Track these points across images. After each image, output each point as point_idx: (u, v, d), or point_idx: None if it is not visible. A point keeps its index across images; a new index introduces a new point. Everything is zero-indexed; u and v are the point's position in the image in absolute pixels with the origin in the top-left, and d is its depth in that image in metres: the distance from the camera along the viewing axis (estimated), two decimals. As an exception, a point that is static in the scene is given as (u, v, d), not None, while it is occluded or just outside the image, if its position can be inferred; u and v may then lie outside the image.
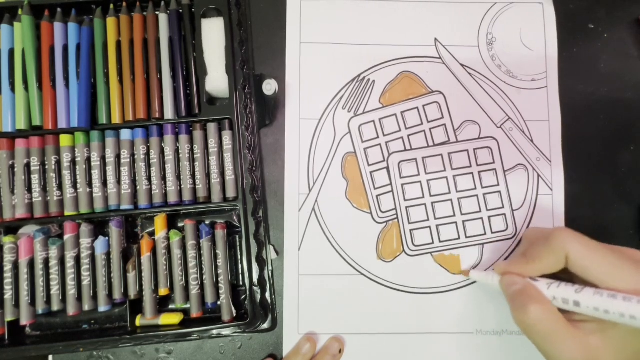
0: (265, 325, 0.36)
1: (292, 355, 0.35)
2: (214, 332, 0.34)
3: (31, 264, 0.33)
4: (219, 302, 0.34)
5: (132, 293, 0.34)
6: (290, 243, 0.37)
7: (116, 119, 0.35)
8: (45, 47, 0.35)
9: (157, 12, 0.36)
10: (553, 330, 0.26)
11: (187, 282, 0.34)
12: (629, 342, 0.26)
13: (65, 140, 0.35)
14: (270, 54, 0.39)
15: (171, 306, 0.36)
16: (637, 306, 0.24)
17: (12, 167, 0.34)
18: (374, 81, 0.38)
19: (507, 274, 0.30)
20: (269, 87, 0.35)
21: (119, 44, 0.35)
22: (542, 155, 0.38)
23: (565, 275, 0.29)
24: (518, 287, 0.29)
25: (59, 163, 0.35)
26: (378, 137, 0.38)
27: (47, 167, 0.34)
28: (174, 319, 0.35)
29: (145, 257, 0.34)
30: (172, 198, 0.35)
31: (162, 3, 0.36)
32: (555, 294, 0.28)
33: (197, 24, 0.36)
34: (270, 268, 0.36)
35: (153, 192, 0.35)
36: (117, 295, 0.34)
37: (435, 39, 0.39)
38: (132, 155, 0.35)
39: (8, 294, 0.33)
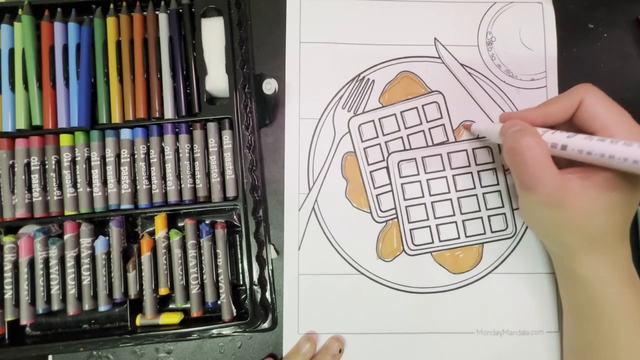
0: (266, 325, 0.36)
1: (292, 355, 0.35)
2: (214, 331, 0.34)
3: (31, 264, 0.33)
4: (219, 302, 0.34)
5: (132, 293, 0.34)
6: (290, 242, 0.37)
7: (116, 118, 0.35)
8: (45, 47, 0.35)
9: (157, 12, 0.36)
10: (539, 160, 0.27)
11: (187, 281, 0.34)
12: (602, 193, 0.27)
13: (65, 139, 0.35)
14: (270, 53, 0.39)
15: (171, 306, 0.36)
16: (619, 147, 0.24)
17: (12, 166, 0.34)
18: (373, 81, 0.38)
19: (512, 118, 0.31)
20: (269, 86, 0.35)
21: (119, 44, 0.35)
22: (542, 154, 0.38)
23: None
24: (517, 128, 0.29)
25: (59, 163, 0.35)
26: (378, 136, 0.38)
27: (47, 166, 0.34)
28: (174, 318, 0.35)
29: (146, 256, 0.34)
30: (172, 197, 0.35)
31: (162, 3, 0.36)
32: (546, 138, 0.28)
33: (197, 24, 0.36)
34: (270, 267, 0.36)
35: (153, 191, 0.35)
36: (117, 294, 0.34)
37: (435, 38, 0.39)
38: (132, 154, 0.35)
39: (8, 294, 0.33)
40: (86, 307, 0.34)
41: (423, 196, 0.37)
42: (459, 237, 0.37)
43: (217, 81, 0.35)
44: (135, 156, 0.35)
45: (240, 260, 0.36)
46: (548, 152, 0.28)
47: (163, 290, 0.34)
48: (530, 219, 0.31)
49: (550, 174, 0.27)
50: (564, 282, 0.33)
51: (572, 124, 0.30)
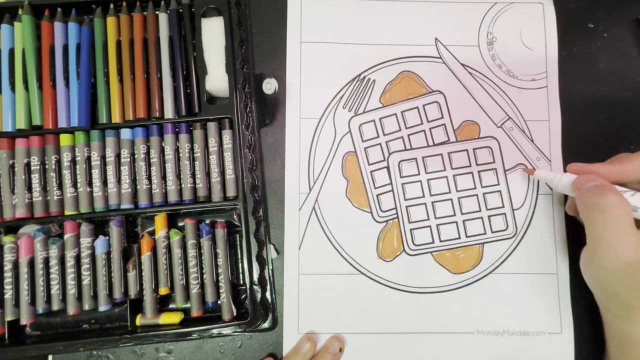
0: (266, 325, 0.36)
1: (292, 355, 0.35)
2: (214, 331, 0.34)
3: (31, 264, 0.33)
4: (219, 302, 0.34)
5: (133, 292, 0.34)
6: (290, 242, 0.37)
7: (116, 118, 0.35)
8: (46, 47, 0.35)
9: (157, 12, 0.36)
10: (623, 221, 0.27)
11: (187, 281, 0.34)
12: None
13: (65, 139, 0.35)
14: (270, 53, 0.39)
15: (171, 305, 0.36)
16: None
17: (12, 166, 0.34)
18: (374, 80, 0.38)
19: (585, 173, 0.30)
20: (269, 86, 0.35)
21: (119, 44, 0.35)
22: (542, 154, 0.38)
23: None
24: (596, 183, 0.28)
25: (59, 162, 0.35)
26: (378, 136, 0.38)
27: (47, 166, 0.34)
28: (174, 318, 0.35)
29: (146, 256, 0.34)
30: (172, 197, 0.35)
31: (162, 2, 0.36)
32: (628, 199, 0.28)
33: (197, 24, 0.36)
34: (270, 267, 0.36)
35: (153, 191, 0.35)
36: (118, 294, 0.34)
37: (436, 38, 0.39)
38: (132, 154, 0.35)
39: (8, 294, 0.33)
40: (86, 307, 0.34)
41: (423, 196, 0.37)
42: (459, 237, 0.37)
43: (217, 81, 0.35)
44: (136, 156, 0.35)
45: (240, 260, 0.36)
46: (631, 214, 0.27)
47: (163, 290, 0.34)
48: (597, 277, 0.30)
49: (634, 236, 0.26)
50: (616, 342, 0.32)
51: None
